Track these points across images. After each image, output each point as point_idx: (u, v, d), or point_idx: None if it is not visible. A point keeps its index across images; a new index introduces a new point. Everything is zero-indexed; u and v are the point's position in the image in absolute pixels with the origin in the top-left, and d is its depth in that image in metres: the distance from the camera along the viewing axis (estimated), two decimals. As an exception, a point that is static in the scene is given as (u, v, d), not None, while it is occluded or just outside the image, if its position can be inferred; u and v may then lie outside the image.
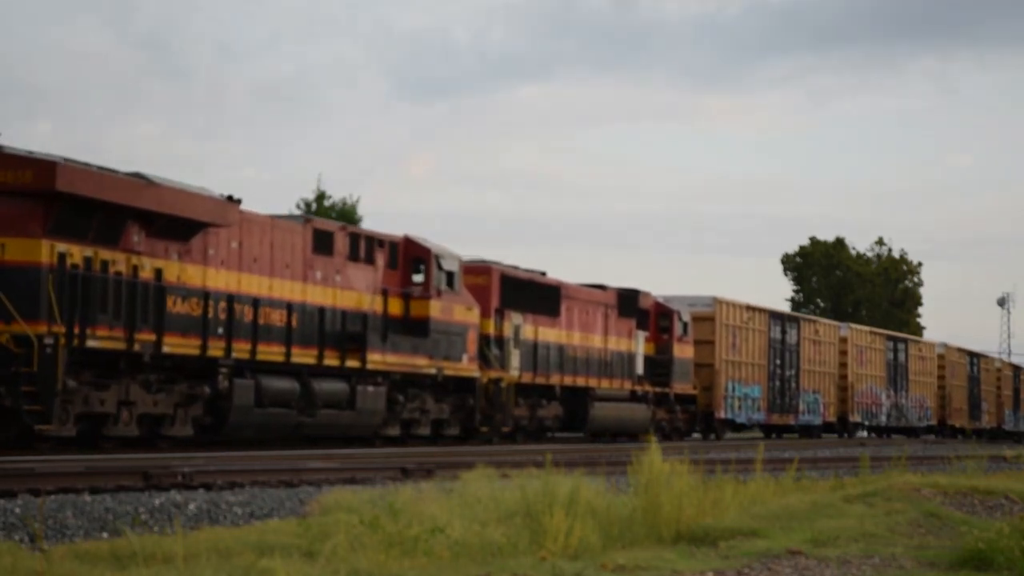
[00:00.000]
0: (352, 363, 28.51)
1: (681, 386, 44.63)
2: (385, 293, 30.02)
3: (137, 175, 23.33)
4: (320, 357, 27.70)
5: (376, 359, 29.20)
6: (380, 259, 30.12)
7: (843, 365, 57.69)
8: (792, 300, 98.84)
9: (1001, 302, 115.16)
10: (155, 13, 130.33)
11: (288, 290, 27.14)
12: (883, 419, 61.64)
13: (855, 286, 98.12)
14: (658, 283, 45.82)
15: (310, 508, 13.70)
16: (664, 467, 12.71)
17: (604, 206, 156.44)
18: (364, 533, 10.38)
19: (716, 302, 47.29)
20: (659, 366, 43.62)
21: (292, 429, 27.00)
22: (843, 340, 57.91)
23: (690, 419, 45.63)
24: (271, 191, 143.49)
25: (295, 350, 26.95)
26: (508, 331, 35.30)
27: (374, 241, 30.11)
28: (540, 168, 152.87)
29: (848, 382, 57.92)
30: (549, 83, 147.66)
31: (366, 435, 29.42)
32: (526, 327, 36.08)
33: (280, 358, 26.61)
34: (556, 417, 37.69)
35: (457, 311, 32.39)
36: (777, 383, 51.41)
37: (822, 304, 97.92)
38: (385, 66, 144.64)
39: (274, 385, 26.16)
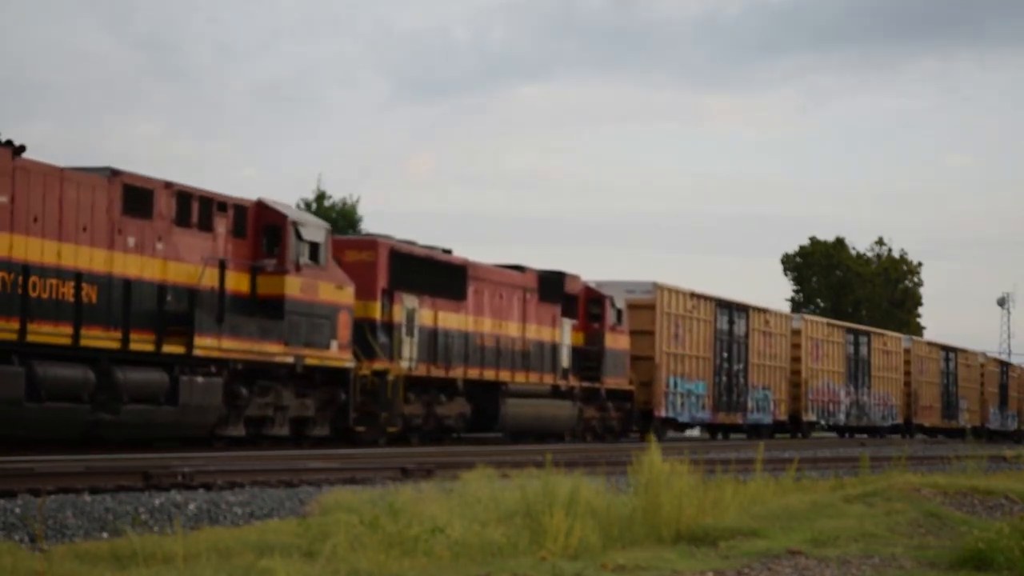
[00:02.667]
0: (173, 348, 23.36)
1: (614, 381, 40.05)
2: (223, 265, 24.83)
3: None
4: (125, 340, 22.57)
5: (208, 344, 24.01)
6: (221, 225, 25.11)
7: (796, 359, 53.05)
8: (792, 300, 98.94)
9: (1001, 302, 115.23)
10: (154, 13, 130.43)
11: (85, 258, 22.09)
12: (842, 418, 57.36)
13: (855, 286, 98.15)
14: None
15: (310, 508, 13.70)
16: (664, 467, 12.72)
17: (604, 206, 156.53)
18: (364, 533, 10.38)
19: (656, 288, 42.91)
20: (589, 358, 38.98)
21: (87, 427, 22.12)
22: (796, 332, 53.29)
23: (625, 418, 41.22)
24: (271, 191, 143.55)
25: (90, 331, 21.92)
26: (399, 316, 30.48)
27: (213, 204, 24.97)
28: (540, 168, 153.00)
29: (802, 378, 53.34)
30: (549, 83, 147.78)
31: (198, 435, 24.47)
32: (423, 311, 31.33)
33: (66, 340, 21.56)
34: (461, 415, 33.06)
35: (324, 290, 27.29)
36: (724, 378, 47.06)
37: (822, 304, 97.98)
38: (385, 66, 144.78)
39: (55, 374, 21.16)
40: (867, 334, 61.32)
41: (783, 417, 52.30)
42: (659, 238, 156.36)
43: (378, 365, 29.36)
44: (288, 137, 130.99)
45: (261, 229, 26.32)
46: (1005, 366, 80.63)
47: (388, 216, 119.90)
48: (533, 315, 36.40)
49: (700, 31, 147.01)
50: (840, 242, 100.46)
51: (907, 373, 64.61)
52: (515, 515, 11.71)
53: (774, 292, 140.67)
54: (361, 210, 57.19)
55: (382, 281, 30.20)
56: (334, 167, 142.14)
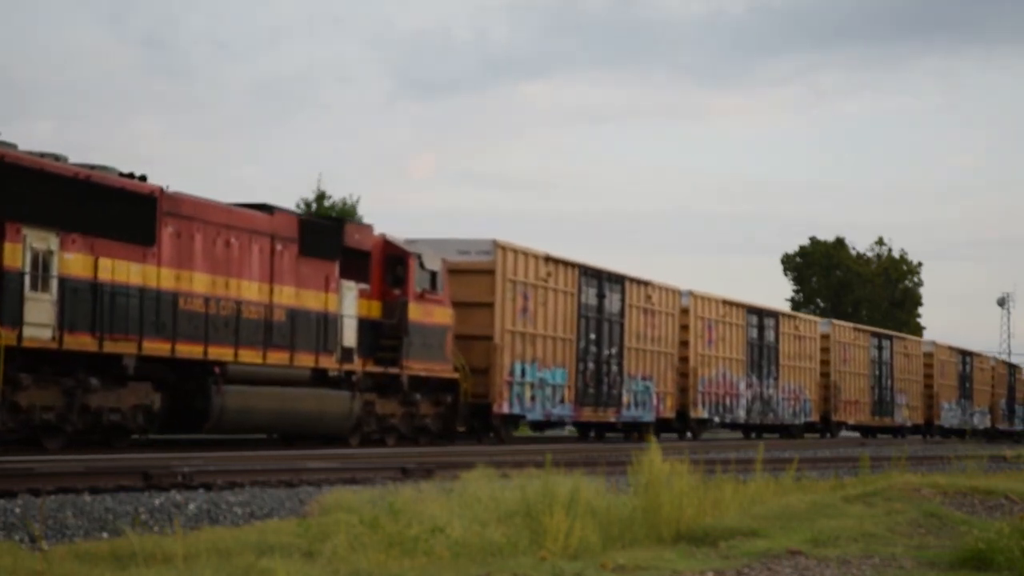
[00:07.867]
0: None
1: (425, 366, 30.64)
2: None
3: None
4: None
5: None
6: None
7: (684, 344, 44.46)
8: (792, 300, 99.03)
9: (1001, 302, 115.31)
10: (155, 12, 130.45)
11: None
12: (741, 414, 48.50)
13: (855, 286, 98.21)
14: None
15: (310, 508, 13.71)
16: (664, 467, 12.73)
17: (605, 205, 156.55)
18: (364, 533, 10.39)
19: (497, 248, 33.99)
20: (386, 336, 29.75)
21: None
22: (684, 312, 44.62)
23: (447, 414, 31.87)
24: (272, 191, 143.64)
25: None
26: (16, 260, 21.07)
27: None
28: (540, 168, 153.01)
29: (690, 367, 44.81)
30: (550, 82, 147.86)
31: None
32: (70, 257, 22.08)
33: None
34: (139, 409, 23.59)
35: None
36: (590, 366, 38.19)
37: (822, 304, 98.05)
38: (386, 65, 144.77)
39: None
40: (774, 315, 52.13)
41: (670, 414, 43.79)
42: (659, 237, 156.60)
43: None
44: (289, 136, 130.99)
45: None
46: (967, 356, 72.38)
47: (388, 216, 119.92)
48: (290, 273, 27.06)
49: (703, 29, 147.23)
50: (840, 242, 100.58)
51: (825, 362, 55.91)
52: (515, 515, 11.70)
53: (774, 292, 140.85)
54: (361, 210, 57.16)
55: None
56: (334, 167, 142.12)
